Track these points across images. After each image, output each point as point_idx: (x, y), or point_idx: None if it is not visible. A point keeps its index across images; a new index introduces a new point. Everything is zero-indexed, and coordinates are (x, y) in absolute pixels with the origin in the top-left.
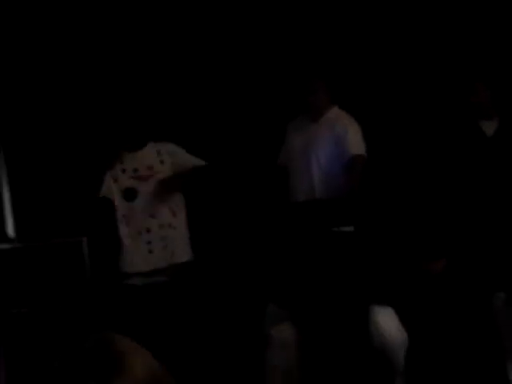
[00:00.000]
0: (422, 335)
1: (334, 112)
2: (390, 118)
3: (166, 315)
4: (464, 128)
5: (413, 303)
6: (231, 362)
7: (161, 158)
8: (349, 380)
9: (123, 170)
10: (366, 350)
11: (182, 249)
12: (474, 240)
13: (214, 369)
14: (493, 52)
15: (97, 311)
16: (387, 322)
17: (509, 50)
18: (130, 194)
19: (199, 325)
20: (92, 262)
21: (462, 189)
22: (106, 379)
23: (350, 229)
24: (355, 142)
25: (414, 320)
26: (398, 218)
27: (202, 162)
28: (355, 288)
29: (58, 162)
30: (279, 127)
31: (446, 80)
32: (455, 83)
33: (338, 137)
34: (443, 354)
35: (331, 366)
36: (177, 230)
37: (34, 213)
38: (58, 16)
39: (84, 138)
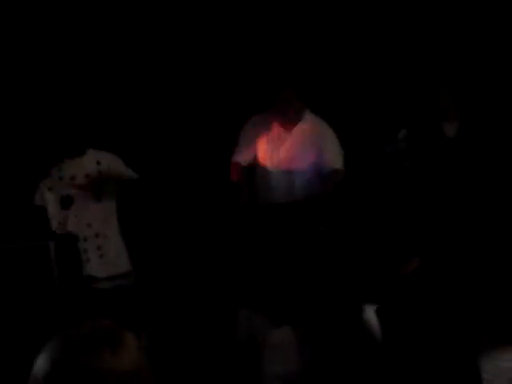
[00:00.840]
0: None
1: (308, 119)
2: (358, 118)
3: (134, 318)
4: (425, 129)
5: (387, 302)
6: (205, 366)
7: (100, 169)
8: (349, 379)
9: (60, 178)
10: (361, 348)
11: (118, 259)
12: (441, 239)
13: (190, 373)
14: (456, 56)
15: (63, 315)
16: (375, 320)
17: (472, 53)
18: (66, 202)
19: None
20: (59, 265)
21: (427, 190)
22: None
23: (326, 229)
24: (334, 156)
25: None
26: (371, 220)
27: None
28: (347, 288)
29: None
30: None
31: (410, 84)
32: (420, 87)
33: (316, 148)
34: (415, 350)
35: (331, 366)
36: (111, 239)
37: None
38: None
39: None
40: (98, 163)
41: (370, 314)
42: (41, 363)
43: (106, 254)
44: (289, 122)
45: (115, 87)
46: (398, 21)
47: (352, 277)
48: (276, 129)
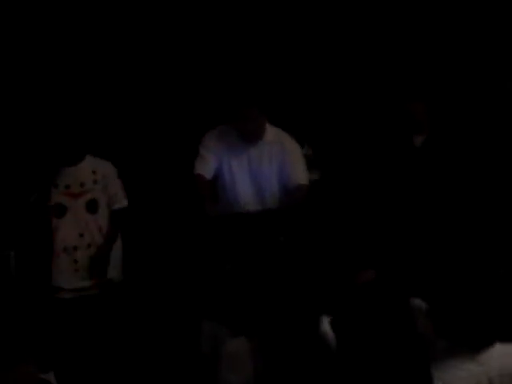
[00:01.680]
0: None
1: (270, 132)
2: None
3: (96, 329)
4: (396, 140)
5: (342, 312)
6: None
7: (95, 178)
8: None
9: (56, 185)
10: (316, 358)
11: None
12: (401, 248)
13: None
14: (428, 67)
15: (24, 325)
16: (330, 331)
17: (444, 64)
18: (59, 210)
19: (131, 341)
20: (20, 275)
21: (390, 198)
22: None
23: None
24: (300, 171)
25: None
26: (331, 228)
27: (121, 204)
28: (303, 298)
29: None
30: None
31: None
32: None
33: (280, 163)
34: (370, 357)
35: (284, 376)
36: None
37: None
38: None
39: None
40: (94, 173)
41: (326, 325)
42: None
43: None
44: (253, 136)
45: (113, 94)
46: (370, 28)
47: (308, 287)
48: (238, 142)
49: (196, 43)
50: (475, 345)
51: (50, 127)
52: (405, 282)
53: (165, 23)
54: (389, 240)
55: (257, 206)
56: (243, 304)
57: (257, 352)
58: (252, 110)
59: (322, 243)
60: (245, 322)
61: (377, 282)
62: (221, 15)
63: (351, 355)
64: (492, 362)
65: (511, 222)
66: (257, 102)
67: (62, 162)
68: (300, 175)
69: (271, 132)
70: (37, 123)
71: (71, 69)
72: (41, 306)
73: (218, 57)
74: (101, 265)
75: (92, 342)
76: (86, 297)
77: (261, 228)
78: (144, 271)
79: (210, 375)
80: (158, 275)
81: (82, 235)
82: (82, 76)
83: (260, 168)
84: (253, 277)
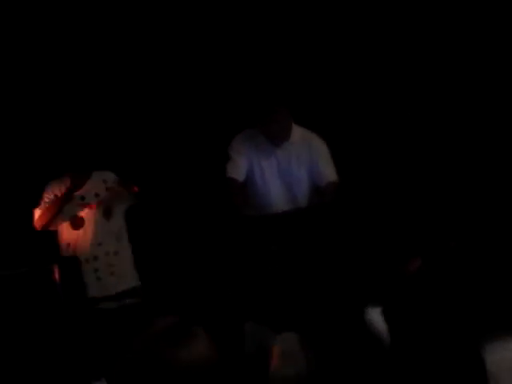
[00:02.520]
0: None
1: (296, 132)
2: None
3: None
4: None
5: (394, 302)
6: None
7: (107, 186)
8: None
9: (64, 200)
10: (364, 350)
11: (128, 275)
12: (441, 237)
13: None
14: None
15: (71, 337)
16: (379, 322)
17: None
18: (77, 222)
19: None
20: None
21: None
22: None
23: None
24: (328, 169)
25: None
26: (372, 221)
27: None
28: (349, 290)
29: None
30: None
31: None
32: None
33: (308, 162)
34: (421, 351)
35: (336, 369)
36: (122, 256)
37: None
38: None
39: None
40: (105, 181)
41: (375, 315)
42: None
43: (117, 271)
44: (280, 138)
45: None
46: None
47: (353, 279)
48: (266, 144)
49: (220, 48)
50: None
51: (59, 142)
52: (451, 269)
53: (183, 28)
54: (433, 226)
55: (288, 205)
56: (285, 301)
57: (307, 346)
58: (279, 112)
59: (362, 234)
60: (288, 318)
61: (426, 270)
62: (240, 19)
63: (407, 344)
64: None
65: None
66: (283, 103)
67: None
68: (329, 172)
69: (297, 132)
70: (46, 137)
71: (81, 86)
72: (86, 317)
73: (242, 59)
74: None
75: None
76: (127, 305)
77: (294, 227)
78: (178, 275)
79: (255, 375)
80: (195, 277)
81: (100, 244)
82: (89, 92)
83: (289, 168)
84: (293, 274)
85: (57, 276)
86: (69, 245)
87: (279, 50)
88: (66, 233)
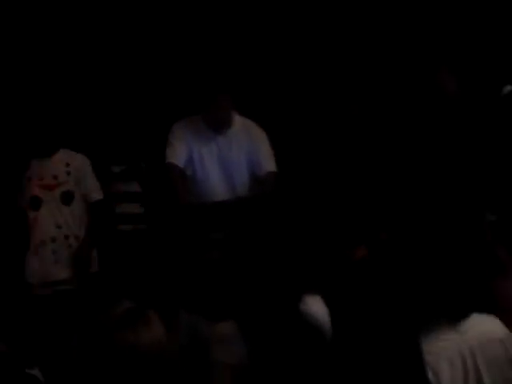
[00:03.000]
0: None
1: (238, 121)
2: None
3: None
4: None
5: (336, 289)
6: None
7: (68, 170)
8: (291, 369)
9: (29, 179)
10: (301, 338)
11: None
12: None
13: None
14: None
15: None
16: (319, 310)
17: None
18: (35, 203)
19: None
20: None
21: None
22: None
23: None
24: (268, 159)
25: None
26: (320, 207)
27: (96, 196)
28: (285, 279)
29: None
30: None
31: None
32: None
33: (249, 151)
34: (361, 340)
35: (272, 357)
36: (80, 240)
37: None
38: None
39: None
40: (67, 165)
41: (313, 303)
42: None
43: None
44: (221, 125)
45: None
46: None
47: (290, 266)
48: (207, 131)
49: (168, 35)
50: (454, 315)
51: (23, 118)
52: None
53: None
54: (380, 215)
55: (227, 194)
56: (222, 289)
57: (241, 335)
58: (222, 99)
59: (302, 222)
60: (225, 307)
61: (372, 259)
62: (193, 6)
63: (348, 332)
64: (471, 330)
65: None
66: (225, 90)
67: (35, 154)
68: (269, 162)
69: (238, 120)
70: (10, 113)
71: (50, 58)
72: (19, 303)
73: (188, 47)
74: (83, 258)
75: (71, 336)
76: (62, 292)
77: (233, 217)
78: (119, 263)
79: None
80: (133, 266)
81: (59, 227)
82: (58, 65)
83: (229, 156)
84: (231, 262)
85: None
86: (30, 226)
87: (221, 37)
88: (28, 213)
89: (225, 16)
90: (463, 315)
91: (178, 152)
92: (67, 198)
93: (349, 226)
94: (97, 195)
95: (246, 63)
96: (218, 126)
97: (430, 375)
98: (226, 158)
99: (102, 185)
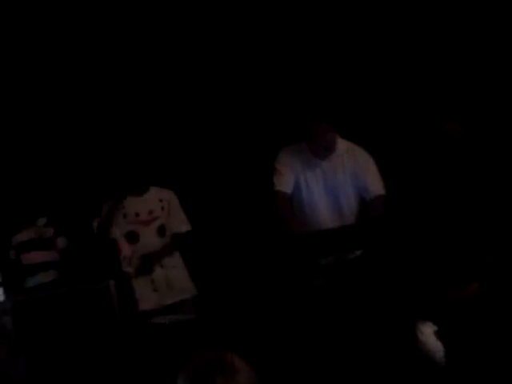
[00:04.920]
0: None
1: (341, 144)
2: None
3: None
4: None
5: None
6: None
7: (162, 205)
8: None
9: (124, 215)
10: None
11: (185, 286)
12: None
13: None
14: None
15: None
16: (431, 337)
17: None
18: (132, 237)
19: None
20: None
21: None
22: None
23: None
24: (376, 181)
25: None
26: (431, 240)
27: (185, 227)
28: (399, 306)
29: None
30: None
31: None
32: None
33: (355, 176)
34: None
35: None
36: (177, 268)
37: None
38: None
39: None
40: (161, 200)
41: (426, 331)
42: None
43: (172, 283)
44: (325, 151)
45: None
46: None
47: (404, 294)
48: (312, 158)
49: (261, 65)
50: None
51: (118, 160)
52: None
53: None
54: (489, 251)
55: (334, 218)
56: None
57: None
58: (323, 125)
59: (415, 251)
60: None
61: (483, 295)
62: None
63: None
64: None
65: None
66: (326, 116)
67: (129, 192)
68: (376, 186)
69: (342, 144)
70: (104, 153)
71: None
72: (140, 332)
73: (283, 76)
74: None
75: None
76: (179, 321)
77: (342, 245)
78: (227, 289)
79: None
80: (243, 294)
81: None
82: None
83: (335, 180)
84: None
85: (113, 291)
86: (126, 259)
87: (320, 67)
88: (123, 248)
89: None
90: None
91: (286, 179)
92: (162, 231)
93: (461, 261)
94: (187, 227)
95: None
96: (321, 152)
97: None
98: (331, 182)
99: None
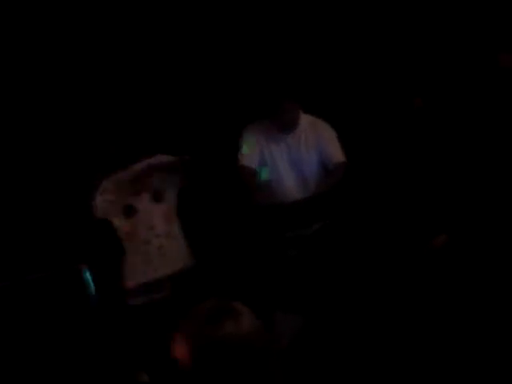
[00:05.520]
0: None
1: (304, 119)
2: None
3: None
4: None
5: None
6: None
7: (154, 171)
8: None
9: (117, 189)
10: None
11: (180, 256)
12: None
13: None
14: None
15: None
16: None
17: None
18: (129, 211)
19: None
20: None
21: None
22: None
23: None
24: (336, 149)
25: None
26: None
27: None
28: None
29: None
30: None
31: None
32: None
33: (318, 147)
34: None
35: None
36: (173, 238)
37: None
38: None
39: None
40: (149, 164)
41: None
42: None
43: (168, 253)
44: (289, 126)
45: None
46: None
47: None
48: (276, 134)
49: (227, 40)
50: None
51: (103, 133)
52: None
53: (191, 20)
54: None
55: (300, 191)
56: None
57: None
58: (289, 101)
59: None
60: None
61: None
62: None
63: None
64: None
65: None
66: (290, 94)
67: (118, 165)
68: (337, 153)
69: (305, 119)
70: (88, 128)
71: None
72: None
73: (249, 52)
74: None
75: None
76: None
77: (316, 213)
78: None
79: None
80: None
81: (151, 228)
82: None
83: (299, 153)
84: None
85: (85, 276)
86: (127, 233)
87: (284, 42)
88: (122, 222)
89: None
90: None
91: (251, 154)
92: (158, 198)
93: (429, 214)
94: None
95: (307, 63)
96: (286, 127)
97: None
98: (295, 156)
99: None
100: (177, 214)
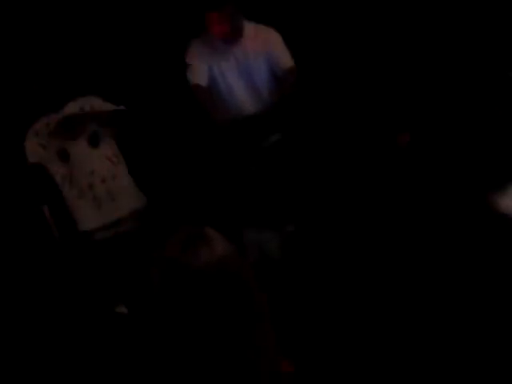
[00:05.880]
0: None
1: (249, 28)
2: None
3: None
4: None
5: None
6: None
7: (83, 112)
8: None
9: (49, 134)
10: None
11: (130, 198)
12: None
13: None
14: None
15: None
16: None
17: None
18: (63, 155)
19: None
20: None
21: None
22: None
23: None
24: (283, 54)
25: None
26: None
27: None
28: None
29: None
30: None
31: None
32: None
33: (267, 54)
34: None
35: None
36: (120, 179)
37: None
38: None
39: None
40: (81, 109)
41: None
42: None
43: (117, 196)
44: (232, 37)
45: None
46: None
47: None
48: (221, 45)
49: None
50: None
51: (33, 74)
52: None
53: None
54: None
55: (253, 102)
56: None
57: None
58: (227, 8)
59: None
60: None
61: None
62: None
63: None
64: None
65: None
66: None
67: (49, 109)
68: (285, 58)
69: (249, 27)
70: (20, 69)
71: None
72: (81, 250)
73: None
74: None
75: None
76: (120, 234)
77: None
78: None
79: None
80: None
81: (92, 172)
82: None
83: (248, 63)
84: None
85: (48, 216)
86: (64, 178)
87: None
88: (58, 167)
89: None
90: None
91: (199, 71)
92: (94, 140)
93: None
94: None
95: None
96: (228, 39)
97: None
98: (244, 67)
99: None
100: (120, 155)
